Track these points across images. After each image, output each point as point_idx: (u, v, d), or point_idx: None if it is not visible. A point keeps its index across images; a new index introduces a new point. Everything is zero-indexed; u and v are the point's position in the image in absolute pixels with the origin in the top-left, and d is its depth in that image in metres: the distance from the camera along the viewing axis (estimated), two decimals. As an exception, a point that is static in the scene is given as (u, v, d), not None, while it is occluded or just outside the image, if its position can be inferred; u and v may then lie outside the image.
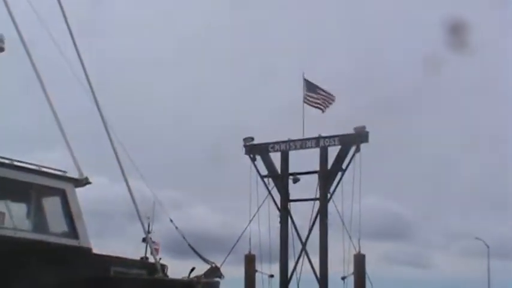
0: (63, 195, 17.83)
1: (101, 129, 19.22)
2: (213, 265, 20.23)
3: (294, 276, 41.30)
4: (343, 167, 40.26)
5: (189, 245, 20.66)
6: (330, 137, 40.94)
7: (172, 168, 57.55)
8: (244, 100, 60.80)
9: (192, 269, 19.56)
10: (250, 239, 40.60)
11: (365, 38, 59.86)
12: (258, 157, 42.34)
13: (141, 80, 58.91)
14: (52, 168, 17.83)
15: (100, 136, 19.27)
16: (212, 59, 60.96)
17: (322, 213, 40.35)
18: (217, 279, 20.31)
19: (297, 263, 41.35)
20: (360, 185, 38.34)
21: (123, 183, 19.29)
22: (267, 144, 42.23)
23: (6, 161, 16.73)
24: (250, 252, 40.91)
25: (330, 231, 40.12)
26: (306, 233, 41.36)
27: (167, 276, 19.61)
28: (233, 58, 65.35)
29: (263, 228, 41.05)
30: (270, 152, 42.28)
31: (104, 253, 18.38)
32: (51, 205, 17.93)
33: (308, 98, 41.98)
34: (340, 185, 40.19)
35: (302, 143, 41.64)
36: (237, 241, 40.98)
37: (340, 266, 39.49)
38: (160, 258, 20.25)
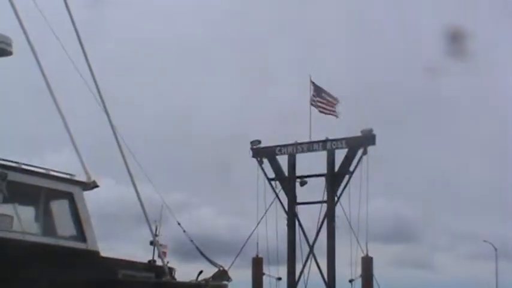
0: (71, 198, 17.82)
1: (109, 131, 19.22)
2: (221, 268, 20.23)
3: (301, 279, 41.29)
4: (351, 169, 40.22)
5: (197, 248, 20.67)
6: (337, 140, 40.91)
7: (180, 171, 57.60)
8: (251, 103, 60.77)
9: (200, 272, 19.59)
10: (257, 242, 40.68)
11: (367, 42, 59.80)
12: (265, 160, 42.30)
13: (148, 81, 58.89)
14: (60, 172, 17.79)
15: (108, 139, 19.27)
16: (220, 60, 60.98)
17: (330, 216, 40.31)
18: (225, 282, 20.30)
19: (304, 265, 41.37)
20: (367, 188, 38.49)
21: (131, 187, 19.30)
22: (274, 147, 42.20)
23: (14, 165, 16.72)
24: (257, 255, 40.96)
25: (338, 234, 40.24)
26: (314, 236, 41.44)
27: (175, 279, 19.58)
28: (240, 59, 65.37)
29: (270, 231, 41.08)
30: (277, 155, 42.24)
31: (112, 256, 18.40)
32: (59, 208, 17.90)
33: (315, 101, 42.00)
34: (347, 188, 40.23)
35: (309, 146, 41.61)
36: (245, 244, 41.09)
37: (347, 269, 39.57)
38: (168, 262, 20.20)
